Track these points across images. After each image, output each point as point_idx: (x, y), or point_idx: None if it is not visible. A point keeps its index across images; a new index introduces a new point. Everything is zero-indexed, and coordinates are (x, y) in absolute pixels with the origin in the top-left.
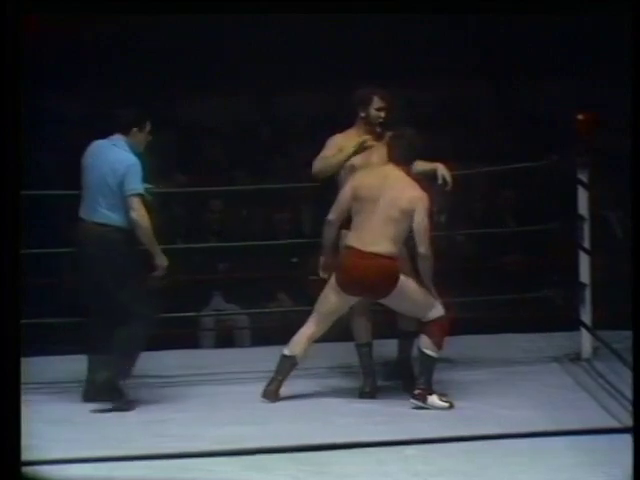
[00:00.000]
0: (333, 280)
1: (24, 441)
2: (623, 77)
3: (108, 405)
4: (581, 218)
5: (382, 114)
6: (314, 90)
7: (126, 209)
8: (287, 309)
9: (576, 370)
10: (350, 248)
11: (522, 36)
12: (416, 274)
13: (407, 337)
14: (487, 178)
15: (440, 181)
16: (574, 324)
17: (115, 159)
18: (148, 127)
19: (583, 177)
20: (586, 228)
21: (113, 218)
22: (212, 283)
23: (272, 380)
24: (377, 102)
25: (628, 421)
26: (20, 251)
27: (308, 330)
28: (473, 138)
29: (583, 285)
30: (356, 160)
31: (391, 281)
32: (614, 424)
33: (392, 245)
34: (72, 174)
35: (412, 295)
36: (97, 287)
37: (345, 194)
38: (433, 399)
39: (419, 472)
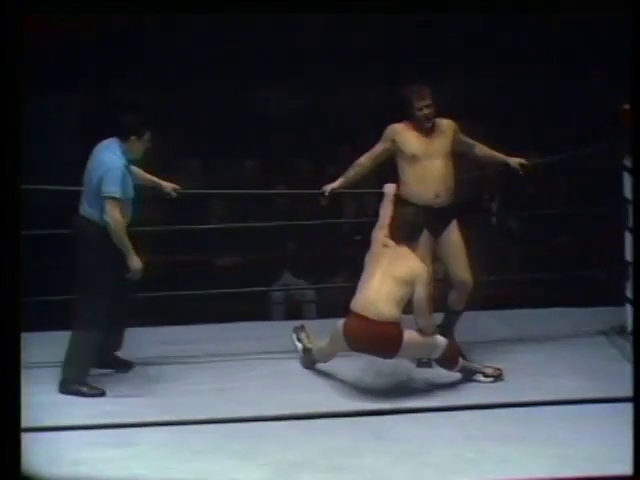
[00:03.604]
0: (340, 331)
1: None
2: None
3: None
4: (626, 200)
5: (425, 111)
6: (377, 81)
7: (101, 209)
8: (349, 284)
9: (621, 342)
10: (353, 313)
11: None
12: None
13: (453, 314)
14: (542, 167)
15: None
16: (620, 299)
17: (101, 160)
18: (147, 136)
19: (628, 163)
20: (630, 210)
21: (92, 213)
22: (282, 261)
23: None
24: (417, 102)
25: None
26: (21, 234)
27: (323, 342)
28: (522, 129)
29: (628, 263)
30: (416, 150)
31: (395, 346)
32: None
33: (394, 308)
34: (71, 173)
35: (418, 346)
36: (80, 272)
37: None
38: (477, 377)
39: (472, 436)
